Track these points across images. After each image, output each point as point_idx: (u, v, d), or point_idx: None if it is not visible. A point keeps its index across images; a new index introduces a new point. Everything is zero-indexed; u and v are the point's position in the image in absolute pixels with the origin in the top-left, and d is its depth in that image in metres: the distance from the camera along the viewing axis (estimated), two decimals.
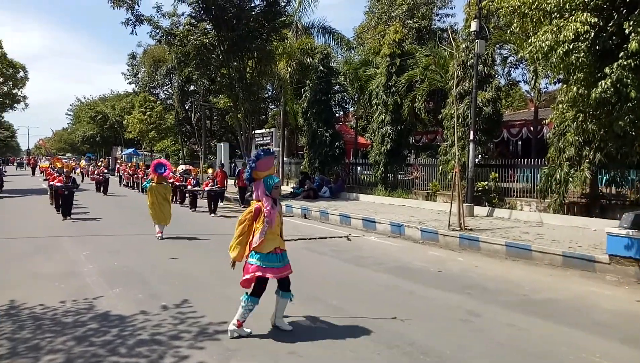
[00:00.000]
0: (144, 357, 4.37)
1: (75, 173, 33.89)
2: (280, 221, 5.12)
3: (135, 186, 27.05)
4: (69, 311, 5.66)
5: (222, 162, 25.11)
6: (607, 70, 6.26)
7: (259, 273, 4.84)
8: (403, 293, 6.79)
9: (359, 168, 23.86)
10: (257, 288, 4.93)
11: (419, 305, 6.26)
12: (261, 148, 5.40)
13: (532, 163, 14.84)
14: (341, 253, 9.72)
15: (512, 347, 4.79)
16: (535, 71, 14.32)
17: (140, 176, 25.56)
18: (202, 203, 17.83)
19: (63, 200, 14.44)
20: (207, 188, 16.00)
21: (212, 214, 15.57)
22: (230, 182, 21.00)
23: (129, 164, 32.69)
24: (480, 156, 15.86)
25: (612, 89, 6.16)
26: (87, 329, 5.06)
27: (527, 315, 5.80)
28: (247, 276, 4.87)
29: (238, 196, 19.26)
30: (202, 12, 19.63)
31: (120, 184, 30.51)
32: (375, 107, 19.92)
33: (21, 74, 32.35)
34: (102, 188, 23.98)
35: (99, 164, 28.83)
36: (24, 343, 4.70)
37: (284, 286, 5.06)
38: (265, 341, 4.85)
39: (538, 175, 14.03)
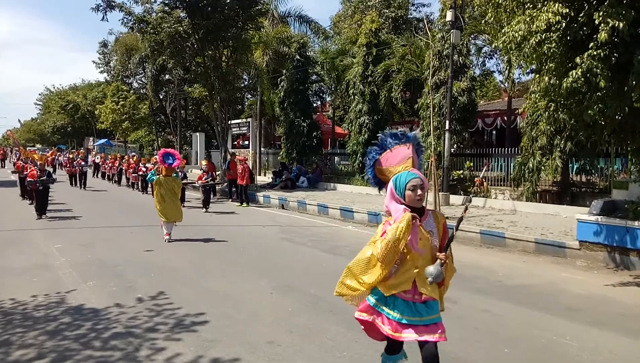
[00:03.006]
0: (119, 350, 4.30)
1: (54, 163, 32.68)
2: (432, 245, 3.07)
3: (130, 182, 22.95)
4: (41, 305, 5.53)
5: (209, 152, 24.53)
6: (577, 60, 6.35)
7: (365, 317, 3.19)
8: None
9: (336, 158, 23.88)
10: (389, 342, 3.27)
11: None
12: (389, 130, 3.57)
13: (506, 152, 15.10)
14: (319, 243, 9.75)
15: (487, 332, 4.89)
16: (509, 61, 14.47)
17: (124, 168, 23.49)
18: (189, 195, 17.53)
19: (37, 197, 12.78)
20: (200, 182, 14.97)
21: (205, 210, 14.51)
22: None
23: (109, 155, 30.79)
24: (455, 145, 16.06)
25: (583, 79, 6.25)
26: (60, 323, 4.95)
27: (502, 301, 5.93)
28: (357, 314, 3.27)
29: (227, 190, 17.96)
30: None
31: (94, 176, 29.61)
32: (352, 97, 19.93)
33: None
34: (79, 182, 22.01)
35: (71, 156, 26.74)
36: None
37: (426, 356, 3.11)
38: (243, 331, 4.82)
39: (512, 164, 14.31)
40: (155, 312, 5.31)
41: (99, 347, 4.38)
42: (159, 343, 4.46)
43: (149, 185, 19.43)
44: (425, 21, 18.19)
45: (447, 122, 13.88)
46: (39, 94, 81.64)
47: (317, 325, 5.01)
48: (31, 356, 4.19)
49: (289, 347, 4.44)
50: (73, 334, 4.67)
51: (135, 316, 5.18)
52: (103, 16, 18.73)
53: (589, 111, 6.56)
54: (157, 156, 22.12)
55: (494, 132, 23.47)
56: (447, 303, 5.78)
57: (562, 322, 5.23)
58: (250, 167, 20.74)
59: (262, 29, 22.59)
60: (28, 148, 36.35)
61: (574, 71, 6.30)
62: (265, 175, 25.37)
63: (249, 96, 35.38)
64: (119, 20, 19.90)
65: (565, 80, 6.38)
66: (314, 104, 27.57)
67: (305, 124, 21.61)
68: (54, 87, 63.17)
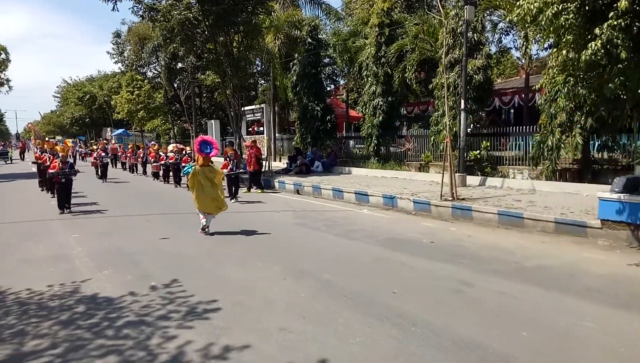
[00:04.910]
0: (131, 339, 4.30)
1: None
2: None
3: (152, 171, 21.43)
4: (56, 295, 5.58)
5: (224, 139, 23.93)
6: (597, 31, 6.08)
7: None
8: (395, 265, 6.75)
9: (351, 141, 23.69)
10: None
11: (410, 276, 6.23)
12: None
13: (523, 131, 14.73)
14: (334, 227, 9.67)
15: (504, 316, 4.77)
16: (525, 36, 14.06)
17: (150, 158, 21.51)
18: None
19: (60, 190, 12.18)
20: (225, 171, 13.47)
21: (233, 200, 13.59)
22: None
23: (129, 145, 29.95)
24: (472, 125, 15.72)
25: (602, 51, 5.99)
26: (73, 313, 4.99)
27: (520, 283, 5.78)
28: None
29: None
30: None
31: (114, 166, 29.49)
32: (365, 79, 19.64)
33: (2, 56, 31.55)
34: (100, 174, 21.00)
35: (95, 147, 25.81)
36: (8, 329, 4.62)
37: None
38: (255, 317, 4.79)
39: (530, 143, 13.96)
40: (168, 300, 5.31)
41: (112, 336, 4.39)
42: (170, 331, 4.45)
43: (171, 175, 19.32)
44: None
45: (463, 101, 13.56)
46: (57, 87, 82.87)
47: (330, 310, 4.95)
48: (45, 346, 4.22)
49: (301, 333, 4.39)
50: (86, 323, 4.70)
51: (148, 304, 5.19)
52: (113, 6, 18.71)
53: (610, 85, 6.30)
54: (175, 145, 22.12)
55: (512, 110, 22.97)
56: (462, 285, 5.72)
57: (583, 304, 5.07)
58: (265, 153, 20.64)
59: (272, 13, 22.34)
60: (50, 140, 36.85)
61: (593, 42, 6.04)
62: (280, 161, 25.35)
63: (262, 81, 35.25)
64: (129, 8, 19.87)
65: (584, 52, 6.12)
66: (327, 88, 27.29)
67: (318, 108, 21.42)
68: (71, 80, 64.00)
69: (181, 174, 17.25)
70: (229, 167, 14.12)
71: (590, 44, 6.05)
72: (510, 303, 5.13)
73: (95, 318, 4.83)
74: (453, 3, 16.00)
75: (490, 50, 16.98)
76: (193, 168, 9.27)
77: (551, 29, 6.86)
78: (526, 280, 5.91)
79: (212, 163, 9.48)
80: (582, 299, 5.21)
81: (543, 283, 5.79)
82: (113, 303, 5.27)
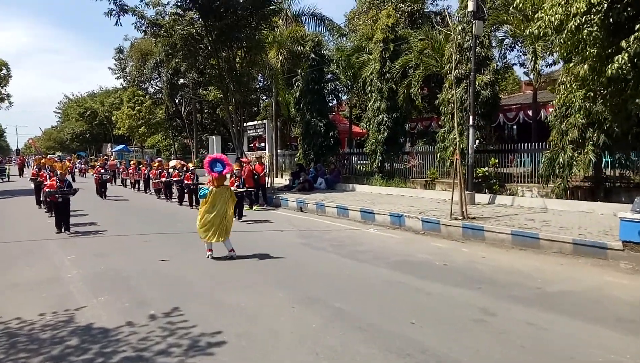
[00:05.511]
0: None
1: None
2: None
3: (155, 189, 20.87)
4: (48, 325, 5.17)
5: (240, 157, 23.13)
6: (622, 44, 5.80)
7: None
8: (409, 291, 6.35)
9: (354, 157, 23.36)
10: None
11: (427, 303, 5.83)
12: None
13: (532, 147, 14.41)
14: (340, 248, 9.28)
15: (535, 350, 4.37)
16: (534, 51, 13.84)
17: (152, 175, 20.78)
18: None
19: (57, 210, 11.57)
20: (232, 188, 13.24)
21: (237, 219, 12.76)
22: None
23: (131, 161, 29.34)
24: (478, 141, 15.42)
25: (630, 65, 5.70)
26: (66, 347, 4.58)
27: (545, 312, 5.38)
28: None
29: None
30: (188, 0, 18.95)
31: (113, 184, 29.00)
32: (369, 94, 19.39)
33: (4, 71, 31.44)
34: (99, 191, 20.51)
35: (96, 163, 25.40)
36: None
37: None
38: (263, 353, 4.39)
39: (538, 159, 13.63)
40: (169, 332, 4.91)
41: None
42: None
43: (169, 192, 18.96)
44: (447, 11, 17.50)
45: (471, 117, 13.25)
46: (58, 103, 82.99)
47: (345, 344, 4.54)
48: None
49: None
50: (79, 359, 4.29)
51: (147, 337, 4.78)
52: (116, 21, 18.57)
53: (636, 100, 5.99)
54: (178, 161, 21.65)
55: (515, 126, 22.70)
56: (484, 314, 5.32)
57: (617, 336, 4.68)
58: (267, 169, 20.24)
59: (275, 29, 22.22)
60: (49, 156, 36.54)
61: (619, 55, 5.73)
62: (282, 177, 25.01)
63: (264, 97, 35.12)
64: (132, 24, 19.63)
65: (610, 66, 5.82)
66: (330, 104, 27.09)
67: (321, 124, 21.13)
68: (72, 95, 64.09)
69: (186, 190, 16.69)
70: (235, 184, 13.60)
71: (616, 57, 5.76)
72: (538, 336, 4.74)
73: (89, 353, 4.42)
74: (459, 18, 15.81)
75: (497, 65, 16.76)
76: (210, 189, 8.49)
77: (569, 42, 6.58)
78: (551, 308, 5.51)
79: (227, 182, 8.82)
80: (615, 330, 4.81)
81: (569, 311, 5.40)
82: (109, 335, 4.86)
